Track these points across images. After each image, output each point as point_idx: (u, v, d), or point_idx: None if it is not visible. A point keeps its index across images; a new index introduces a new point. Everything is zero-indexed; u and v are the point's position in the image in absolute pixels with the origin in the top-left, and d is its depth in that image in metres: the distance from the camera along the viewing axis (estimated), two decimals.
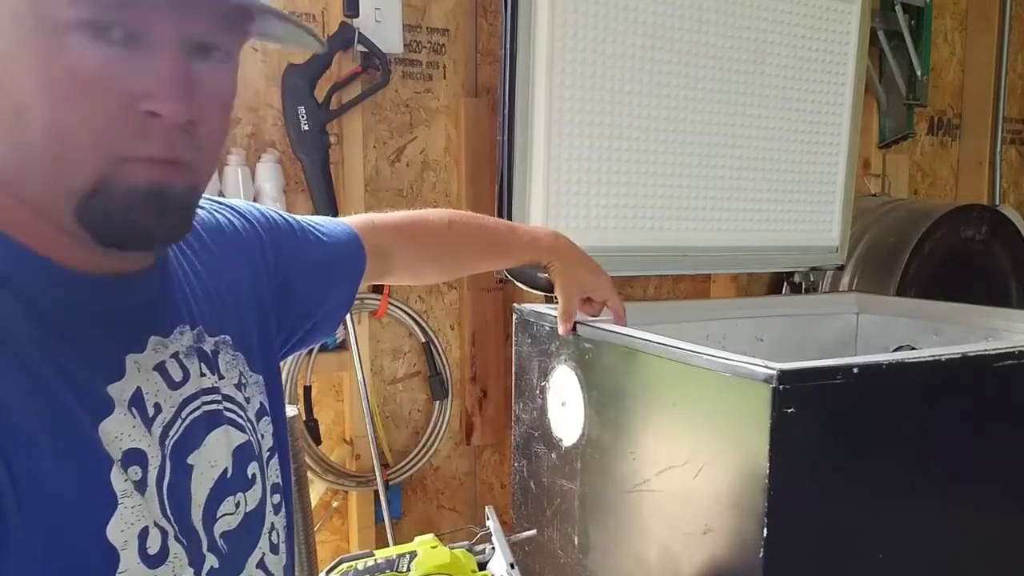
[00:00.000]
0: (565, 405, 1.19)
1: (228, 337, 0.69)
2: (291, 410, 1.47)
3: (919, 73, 2.10)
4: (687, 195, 1.46)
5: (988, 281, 2.00)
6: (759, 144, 1.51)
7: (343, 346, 1.69)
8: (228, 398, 0.67)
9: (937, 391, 0.89)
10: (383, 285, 1.71)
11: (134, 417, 0.56)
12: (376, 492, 1.69)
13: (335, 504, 1.75)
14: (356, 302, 1.65)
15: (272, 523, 0.69)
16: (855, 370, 0.81)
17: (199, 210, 0.68)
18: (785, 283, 1.64)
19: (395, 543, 1.73)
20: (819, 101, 1.56)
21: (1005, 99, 2.43)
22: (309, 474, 1.62)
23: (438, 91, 1.79)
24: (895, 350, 1.49)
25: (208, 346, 0.66)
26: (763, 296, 1.56)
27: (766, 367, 0.79)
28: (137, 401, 0.56)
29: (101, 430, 0.53)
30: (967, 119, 2.47)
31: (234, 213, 0.77)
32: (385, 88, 1.65)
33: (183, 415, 0.61)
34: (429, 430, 1.77)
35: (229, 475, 0.64)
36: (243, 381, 0.69)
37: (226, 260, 0.73)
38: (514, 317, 1.35)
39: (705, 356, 0.88)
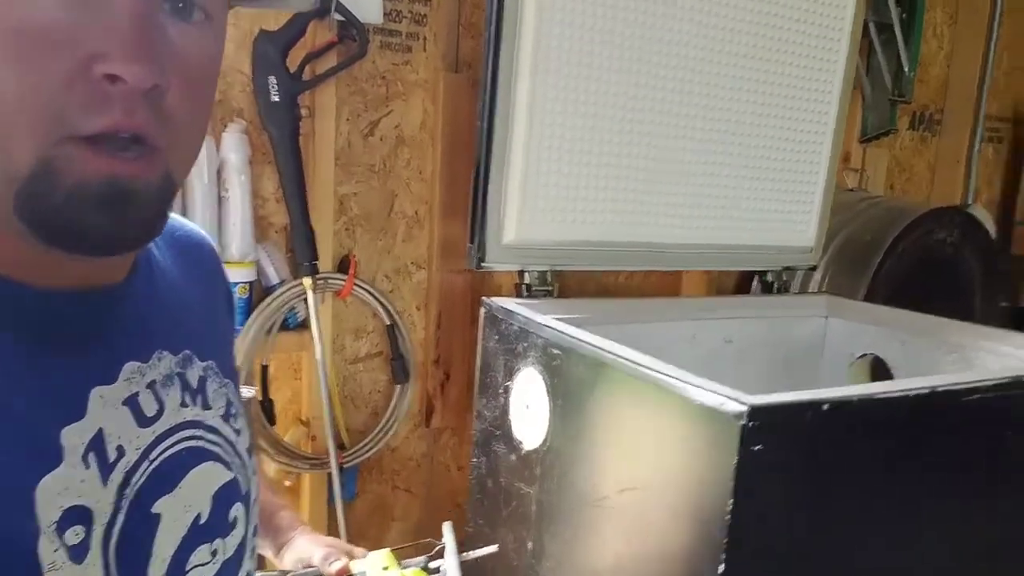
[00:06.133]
0: (529, 408, 1.17)
1: (214, 363, 0.62)
2: (247, 391, 1.43)
3: (907, 69, 2.06)
4: (668, 191, 1.42)
5: (955, 283, 2.01)
6: (743, 140, 1.47)
7: (304, 325, 1.64)
8: (213, 430, 0.59)
9: (906, 426, 0.88)
10: (349, 263, 1.66)
11: (86, 467, 0.48)
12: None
13: (287, 483, 1.72)
14: (321, 281, 1.61)
15: (248, 571, 0.63)
16: (825, 407, 0.80)
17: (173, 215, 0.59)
18: (756, 279, 1.62)
19: (347, 526, 1.71)
20: (807, 99, 1.52)
21: (987, 96, 2.41)
22: (261, 455, 1.59)
23: (417, 64, 1.71)
24: (859, 357, 1.49)
25: (196, 372, 0.59)
26: (733, 295, 1.54)
27: (737, 402, 0.77)
28: (96, 445, 0.49)
29: (40, 488, 0.45)
30: (949, 115, 2.45)
31: (216, 255, 0.72)
32: (362, 59, 1.57)
33: (152, 456, 0.53)
34: (388, 413, 1.74)
35: (205, 520, 0.57)
36: (232, 412, 0.62)
37: (205, 280, 0.67)
38: (482, 311, 1.32)
39: (676, 380, 0.85)
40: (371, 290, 1.66)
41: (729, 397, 0.78)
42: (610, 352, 0.97)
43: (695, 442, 0.83)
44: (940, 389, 0.88)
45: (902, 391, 0.85)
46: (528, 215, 1.31)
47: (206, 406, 0.59)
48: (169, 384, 0.56)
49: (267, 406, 1.62)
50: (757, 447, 0.76)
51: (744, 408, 0.75)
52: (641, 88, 1.36)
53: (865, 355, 1.48)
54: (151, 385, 0.54)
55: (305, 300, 1.57)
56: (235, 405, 0.63)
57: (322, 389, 1.59)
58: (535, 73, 1.27)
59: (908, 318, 1.43)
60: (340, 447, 1.71)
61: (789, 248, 1.59)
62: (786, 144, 1.51)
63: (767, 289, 1.60)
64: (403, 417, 1.76)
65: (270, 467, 1.65)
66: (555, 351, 1.09)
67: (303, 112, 1.51)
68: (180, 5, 0.46)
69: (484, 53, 1.29)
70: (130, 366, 0.53)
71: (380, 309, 1.68)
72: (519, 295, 1.36)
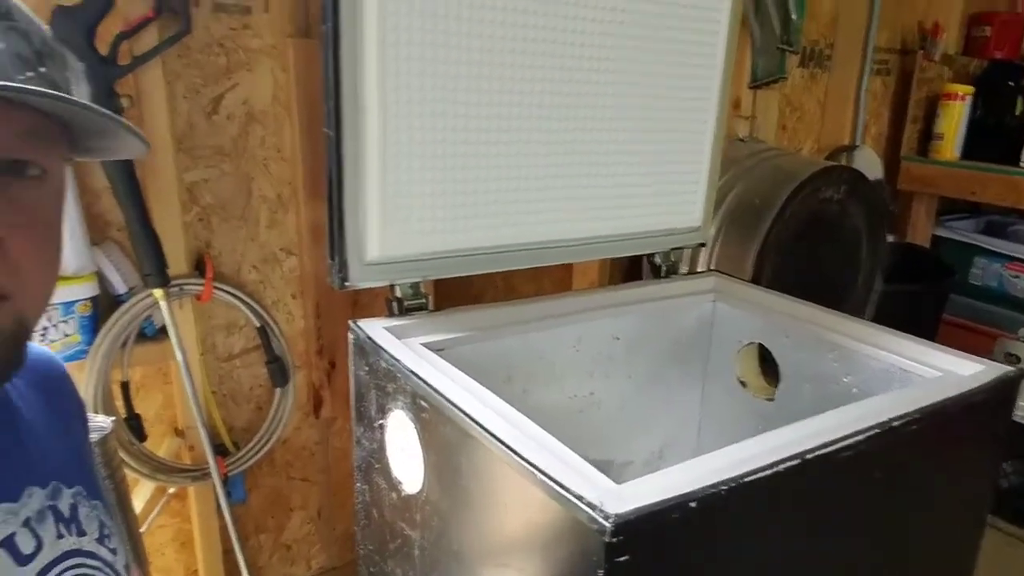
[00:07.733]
0: (404, 451, 1.10)
1: (82, 488, 0.65)
2: (104, 422, 1.31)
3: (794, 16, 1.97)
4: (545, 185, 1.32)
5: (843, 239, 2.03)
6: (626, 125, 1.37)
7: (165, 332, 1.50)
8: (92, 555, 0.62)
9: (780, 499, 0.86)
10: (206, 264, 1.51)
11: None
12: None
13: (171, 489, 1.63)
14: (175, 288, 1.46)
15: None
16: (692, 504, 0.76)
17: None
18: (645, 261, 1.58)
19: (241, 526, 1.65)
20: (690, 76, 1.42)
21: (877, 28, 2.36)
22: (134, 475, 1.48)
23: (259, 28, 1.50)
24: (747, 345, 1.48)
25: (67, 500, 0.62)
26: (621, 284, 1.48)
27: (601, 513, 0.72)
28: None
29: None
30: (839, 49, 2.39)
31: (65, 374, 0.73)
32: (187, 35, 1.36)
33: None
34: (272, 414, 1.64)
35: None
36: (105, 532, 0.66)
37: (58, 402, 0.68)
38: (350, 336, 1.22)
39: (537, 474, 0.80)
40: (235, 292, 1.53)
41: (589, 507, 0.73)
42: (476, 422, 0.90)
43: (561, 540, 0.79)
44: (810, 457, 0.86)
45: (772, 469, 0.83)
46: (391, 228, 1.19)
47: (81, 532, 0.61)
48: (43, 519, 0.58)
49: (133, 423, 1.49)
50: (623, 558, 0.73)
51: (607, 526, 0.71)
52: (507, 75, 1.22)
53: (751, 343, 1.47)
54: (27, 523, 0.56)
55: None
56: (107, 526, 0.66)
57: (192, 404, 1.47)
58: (383, 71, 1.12)
59: (791, 307, 1.42)
60: (223, 453, 1.61)
61: (677, 230, 1.54)
62: (670, 125, 1.43)
63: (656, 272, 1.56)
64: (288, 418, 1.67)
65: (146, 486, 1.54)
66: (423, 403, 1.01)
67: (123, 102, 1.30)
68: (14, 163, 0.51)
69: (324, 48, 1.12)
70: (2, 508, 0.55)
71: (247, 312, 1.55)
72: (390, 312, 1.26)
